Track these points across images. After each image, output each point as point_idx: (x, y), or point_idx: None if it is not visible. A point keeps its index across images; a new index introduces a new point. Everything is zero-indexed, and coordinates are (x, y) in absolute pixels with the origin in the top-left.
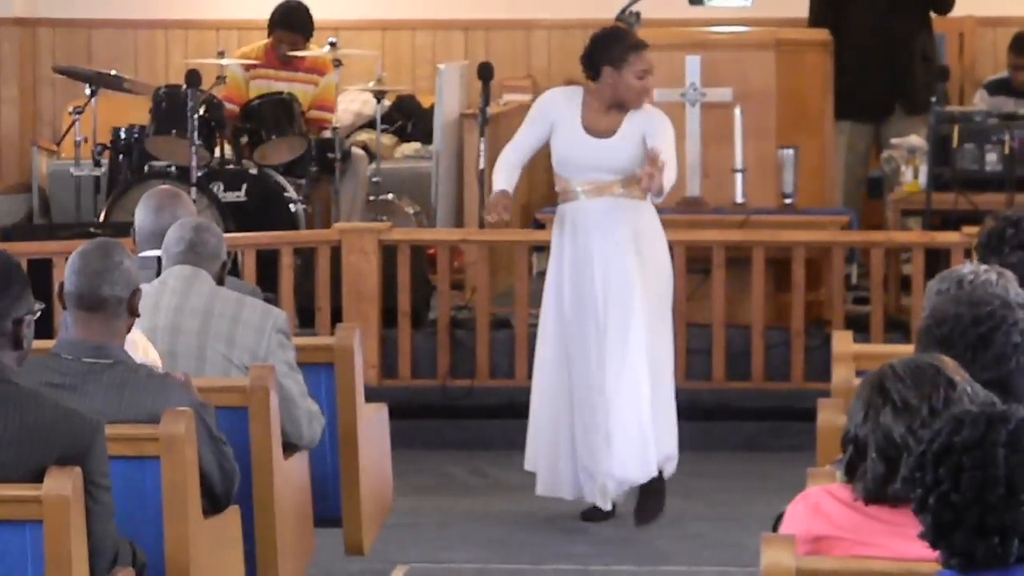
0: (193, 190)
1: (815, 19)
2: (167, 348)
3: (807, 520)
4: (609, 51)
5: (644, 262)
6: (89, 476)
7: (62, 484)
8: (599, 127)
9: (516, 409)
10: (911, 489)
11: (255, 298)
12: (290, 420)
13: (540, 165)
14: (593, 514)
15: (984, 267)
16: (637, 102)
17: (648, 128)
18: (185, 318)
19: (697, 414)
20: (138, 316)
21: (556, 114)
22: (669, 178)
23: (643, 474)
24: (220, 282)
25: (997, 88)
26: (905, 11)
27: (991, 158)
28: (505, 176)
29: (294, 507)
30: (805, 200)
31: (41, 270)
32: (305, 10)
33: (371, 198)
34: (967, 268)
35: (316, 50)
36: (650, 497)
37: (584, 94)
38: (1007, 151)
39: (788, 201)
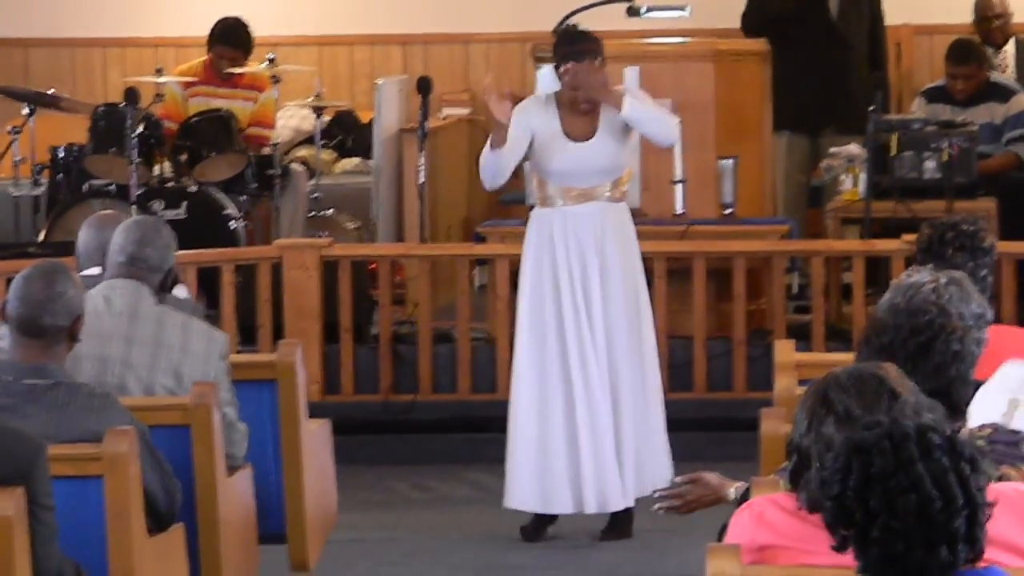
0: (133, 208)
1: (748, 28)
2: (118, 382)
3: (751, 529)
4: (556, 50)
5: (635, 263)
6: (32, 497)
7: (5, 505)
8: (578, 130)
9: (459, 423)
10: (837, 532)
11: (197, 318)
12: (231, 443)
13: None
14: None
15: (943, 278)
16: (578, 105)
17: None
18: (134, 351)
19: None
20: (79, 341)
21: (534, 122)
22: (664, 119)
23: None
24: (164, 286)
25: (934, 96)
26: (849, 28)
27: (929, 166)
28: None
29: (238, 524)
30: (745, 210)
31: None
32: (244, 26)
33: (311, 214)
34: (926, 277)
35: (254, 67)
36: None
37: (556, 97)
38: (945, 159)
39: (728, 211)
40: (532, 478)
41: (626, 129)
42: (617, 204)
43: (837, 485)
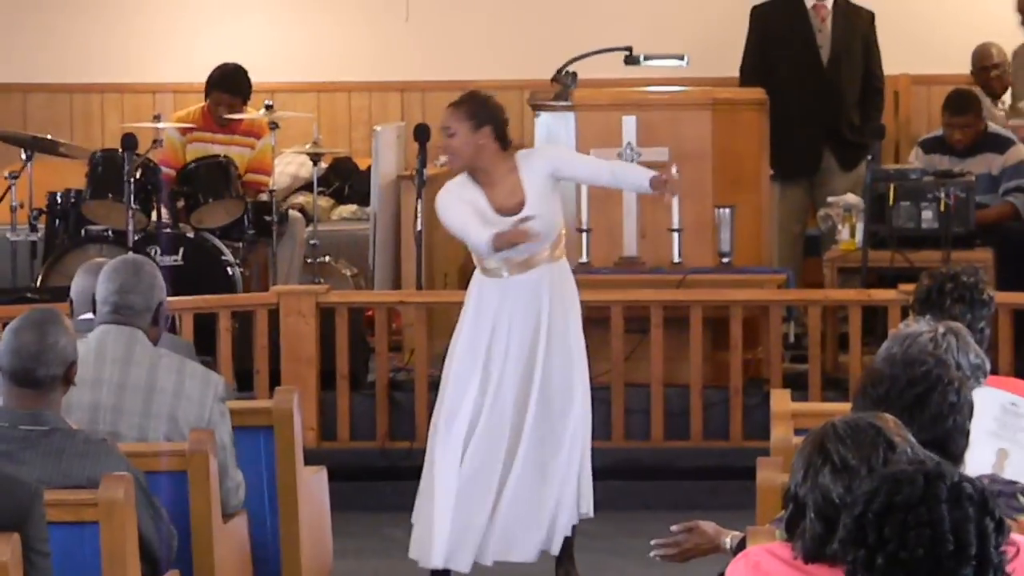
0: (130, 254)
1: (746, 79)
2: (110, 428)
3: None
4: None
5: (574, 323)
6: (28, 542)
7: (0, 551)
8: (506, 203)
9: None
10: (849, 551)
11: (192, 360)
12: (221, 490)
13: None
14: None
15: (941, 328)
16: (451, 163)
17: (549, 167)
18: (127, 397)
19: (636, 473)
20: (74, 385)
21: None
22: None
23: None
24: (156, 320)
25: (932, 146)
26: (840, 76)
27: (927, 216)
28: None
29: (234, 571)
30: (742, 259)
31: None
32: (243, 73)
33: (308, 260)
34: (924, 327)
35: (252, 113)
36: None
37: (470, 175)
38: (943, 209)
39: (725, 260)
40: (449, 535)
41: (553, 187)
42: (557, 263)
43: (860, 505)
